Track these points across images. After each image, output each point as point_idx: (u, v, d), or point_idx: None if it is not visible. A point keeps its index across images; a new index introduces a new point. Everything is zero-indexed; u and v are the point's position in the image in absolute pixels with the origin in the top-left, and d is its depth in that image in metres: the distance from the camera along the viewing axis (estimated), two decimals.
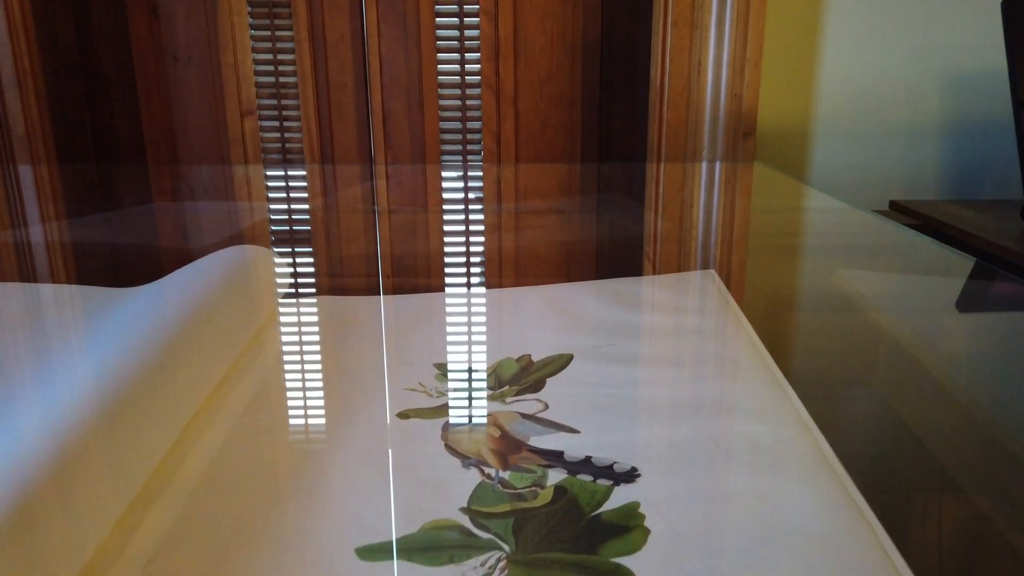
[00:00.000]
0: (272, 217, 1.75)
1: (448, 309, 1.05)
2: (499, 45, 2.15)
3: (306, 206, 1.89)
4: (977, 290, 1.04)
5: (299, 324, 1.02)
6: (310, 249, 1.47)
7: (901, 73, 1.75)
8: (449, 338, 0.92)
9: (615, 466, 0.63)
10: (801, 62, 1.74)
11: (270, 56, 2.07)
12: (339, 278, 1.36)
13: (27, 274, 1.21)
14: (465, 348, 0.90)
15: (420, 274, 1.38)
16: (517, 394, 0.77)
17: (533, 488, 0.61)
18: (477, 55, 2.13)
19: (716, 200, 1.60)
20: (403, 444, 0.69)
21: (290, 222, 1.71)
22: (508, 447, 0.67)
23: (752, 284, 1.12)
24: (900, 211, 1.56)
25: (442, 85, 2.13)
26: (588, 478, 0.62)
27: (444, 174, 2.27)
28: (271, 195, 2.02)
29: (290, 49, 2.07)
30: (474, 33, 2.11)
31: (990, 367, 0.86)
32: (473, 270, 1.29)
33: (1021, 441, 0.69)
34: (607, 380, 0.78)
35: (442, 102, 2.15)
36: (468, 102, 2.14)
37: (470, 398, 0.76)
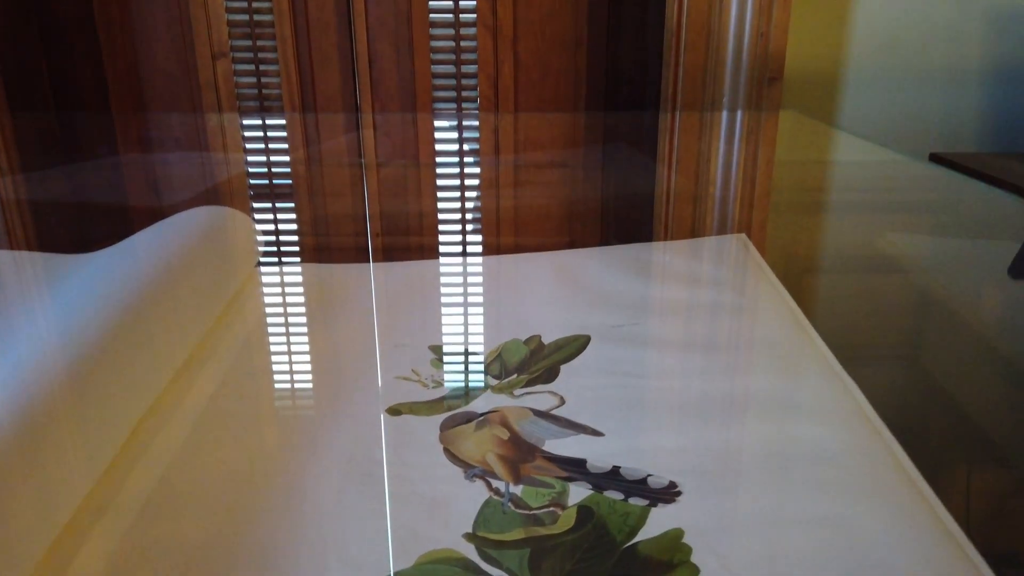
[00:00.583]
0: (250, 171, 1.63)
1: (444, 280, 0.95)
2: None
3: (286, 159, 1.77)
4: None
5: (282, 296, 0.91)
6: (291, 206, 1.36)
7: (942, 12, 1.62)
8: (445, 315, 0.82)
9: (650, 480, 0.54)
10: None
11: None
12: (324, 237, 1.26)
13: None
14: (464, 327, 0.80)
15: (412, 233, 1.28)
16: (527, 385, 0.67)
17: (551, 509, 0.52)
18: None
19: (737, 153, 1.48)
20: (395, 448, 0.59)
21: (269, 176, 1.59)
22: (519, 453, 0.58)
23: (785, 249, 1.01)
24: (942, 164, 1.45)
25: (434, 24, 1.99)
26: (618, 496, 0.52)
27: (437, 124, 2.14)
28: (248, 147, 1.89)
29: None
30: None
31: None
32: (469, 229, 1.19)
33: None
34: (632, 368, 0.68)
35: (434, 43, 2.01)
36: (463, 44, 2.00)
37: (472, 390, 0.66)
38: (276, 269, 0.99)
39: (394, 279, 0.92)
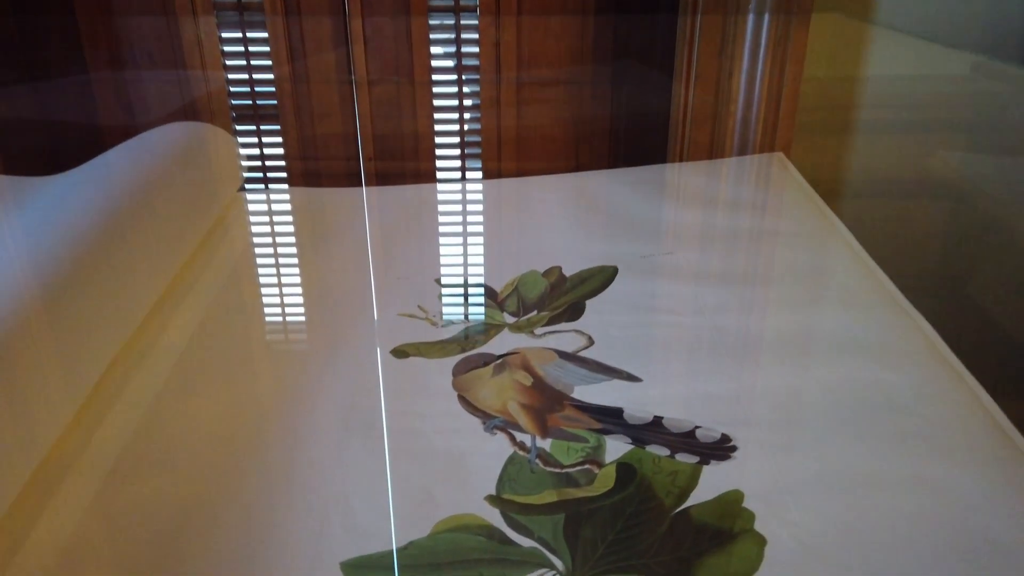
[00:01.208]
0: (231, 89, 1.53)
1: (445, 205, 0.87)
2: None
3: (270, 76, 1.65)
4: None
5: (269, 223, 0.83)
6: (277, 128, 1.27)
7: None
8: (450, 244, 0.75)
9: (698, 433, 0.47)
10: None
11: None
12: (312, 161, 1.17)
13: None
14: (474, 258, 0.72)
15: (407, 157, 1.18)
16: (550, 322, 0.60)
17: (586, 466, 0.46)
18: None
19: (763, 65, 1.38)
20: (402, 395, 0.52)
21: (252, 95, 1.49)
22: (545, 401, 0.51)
23: (819, 172, 0.93)
24: (993, 75, 1.34)
25: None
26: (663, 451, 0.46)
27: (433, 36, 2.01)
28: (228, 63, 1.77)
29: None
30: None
31: None
32: (468, 152, 1.10)
33: None
34: (668, 303, 0.61)
35: None
36: None
37: (487, 329, 0.59)
38: (262, 195, 0.91)
39: (389, 205, 0.84)
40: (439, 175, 1.11)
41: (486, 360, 0.55)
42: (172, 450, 0.48)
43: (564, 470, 0.45)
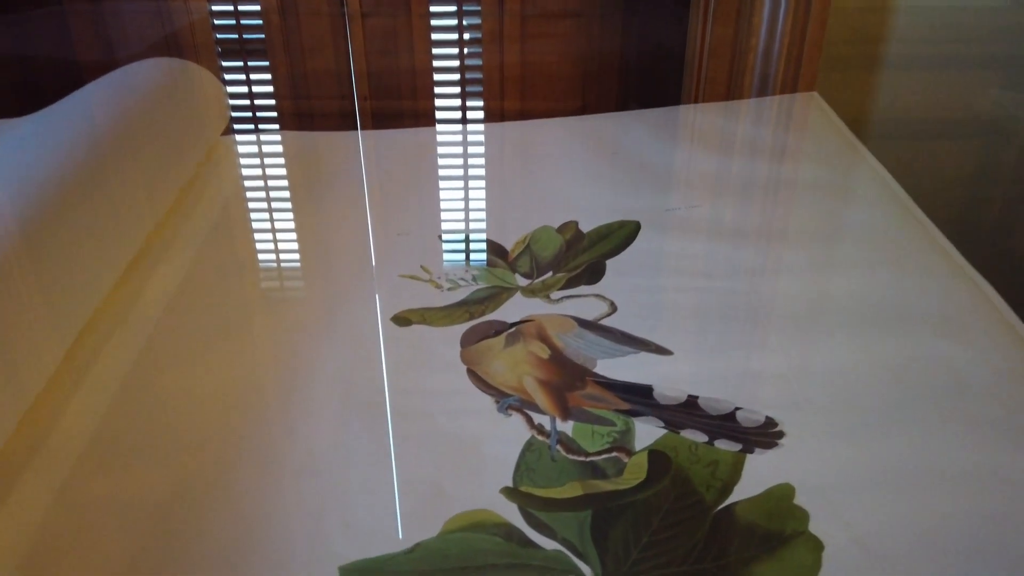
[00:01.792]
0: (215, 22, 1.44)
1: (448, 153, 0.80)
2: None
3: (257, 7, 1.56)
4: None
5: (261, 170, 0.77)
6: (266, 64, 1.19)
7: None
8: (453, 197, 0.69)
9: (739, 416, 0.43)
10: None
11: None
12: (303, 101, 1.10)
13: None
14: (479, 211, 0.67)
15: (404, 96, 1.11)
16: (567, 285, 0.54)
17: (614, 453, 0.41)
18: None
19: None
20: (405, 370, 0.47)
21: (238, 28, 1.41)
22: (565, 377, 0.46)
23: (853, 110, 0.87)
24: None
25: None
26: (700, 437, 0.41)
27: None
28: None
29: None
30: None
31: None
32: (469, 91, 1.03)
33: None
34: (698, 264, 0.56)
35: None
36: None
37: (497, 292, 0.54)
38: (250, 139, 0.85)
39: (387, 151, 0.78)
40: (438, 115, 1.04)
41: (497, 329, 0.50)
42: (150, 434, 0.43)
43: (589, 458, 0.41)
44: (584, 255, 0.57)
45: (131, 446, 0.42)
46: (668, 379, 0.45)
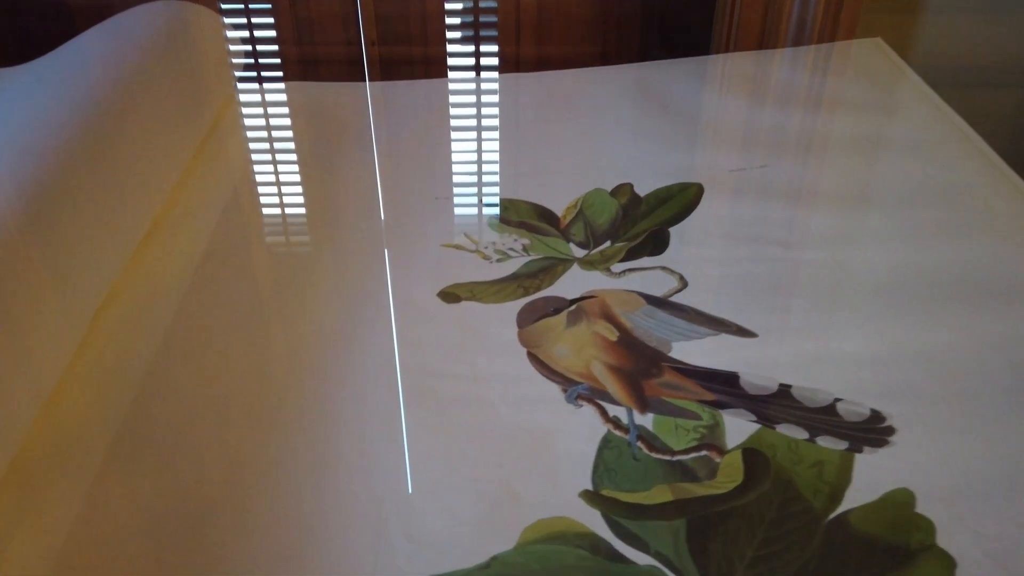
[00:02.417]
0: None
1: (470, 105, 0.75)
2: None
3: None
4: None
5: (266, 129, 0.72)
6: (268, 7, 1.13)
7: None
8: (486, 154, 0.63)
9: (840, 408, 0.39)
10: None
11: None
12: (309, 47, 1.03)
13: None
14: (516, 172, 0.62)
15: (414, 42, 1.05)
16: (628, 256, 0.50)
17: (704, 452, 0.37)
18: None
19: None
20: (459, 353, 0.43)
21: None
22: (638, 362, 0.42)
23: (926, 57, 0.81)
24: None
25: None
26: (800, 433, 0.38)
27: None
28: None
29: None
30: None
31: None
32: (483, 35, 0.97)
33: None
34: (774, 231, 0.51)
35: None
36: None
37: (552, 263, 0.50)
38: (254, 86, 0.79)
39: (399, 103, 0.72)
40: (450, 62, 0.98)
41: (556, 306, 0.46)
42: (178, 432, 0.39)
43: (676, 457, 0.37)
44: (644, 222, 0.53)
45: (160, 445, 0.38)
46: (754, 365, 0.41)
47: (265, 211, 0.57)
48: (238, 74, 0.78)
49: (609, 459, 0.37)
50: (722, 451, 0.37)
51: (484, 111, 0.73)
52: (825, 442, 0.37)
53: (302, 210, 0.58)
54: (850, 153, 0.58)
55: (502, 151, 0.64)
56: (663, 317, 0.45)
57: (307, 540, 0.34)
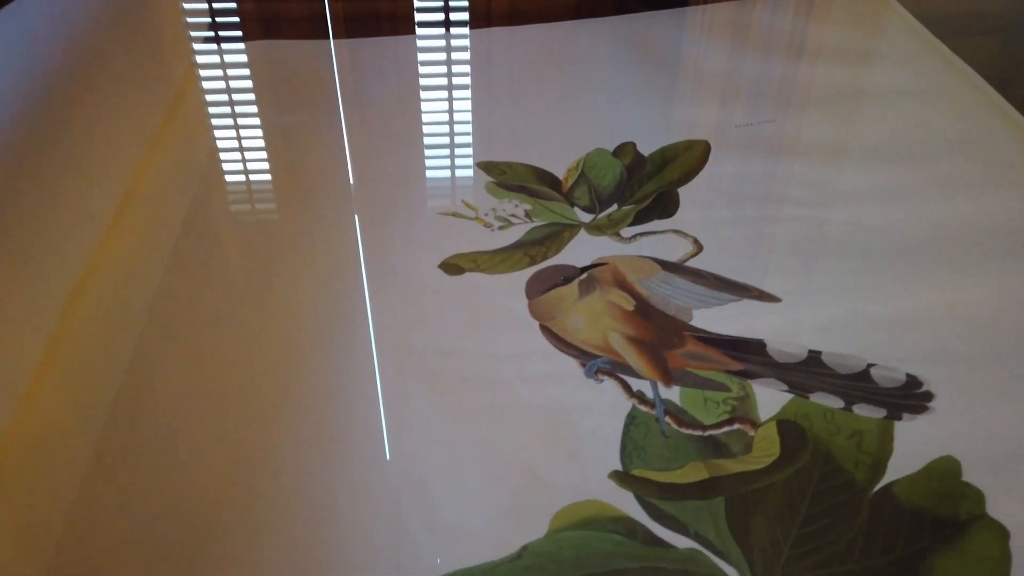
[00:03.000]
0: None
1: (461, 54, 0.72)
2: None
3: None
4: None
5: (230, 103, 0.68)
6: None
7: None
8: (468, 113, 0.61)
9: (874, 373, 0.37)
10: None
11: None
12: (269, 3, 0.99)
13: None
14: (506, 132, 0.59)
15: None
16: (637, 220, 0.48)
17: (736, 425, 0.36)
18: None
19: None
20: (468, 327, 0.41)
21: None
22: (658, 332, 0.40)
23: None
24: None
25: None
26: (835, 402, 0.36)
27: None
28: None
29: None
30: None
31: None
32: None
33: None
34: (788, 190, 0.49)
35: None
36: None
37: (558, 229, 0.47)
38: (212, 47, 0.74)
39: (366, 60, 0.68)
40: (418, 17, 0.94)
41: (566, 275, 0.44)
42: (166, 422, 0.37)
43: (707, 432, 0.35)
44: (650, 183, 0.51)
45: (150, 440, 0.36)
46: (780, 331, 0.40)
47: (237, 181, 0.54)
48: (195, 34, 0.74)
49: (637, 436, 0.35)
50: (755, 424, 0.35)
51: (457, 68, 0.69)
52: (862, 410, 0.36)
53: (269, 175, 0.55)
54: (856, 105, 0.56)
55: (482, 111, 0.61)
56: (681, 284, 0.43)
57: (319, 540, 0.32)
